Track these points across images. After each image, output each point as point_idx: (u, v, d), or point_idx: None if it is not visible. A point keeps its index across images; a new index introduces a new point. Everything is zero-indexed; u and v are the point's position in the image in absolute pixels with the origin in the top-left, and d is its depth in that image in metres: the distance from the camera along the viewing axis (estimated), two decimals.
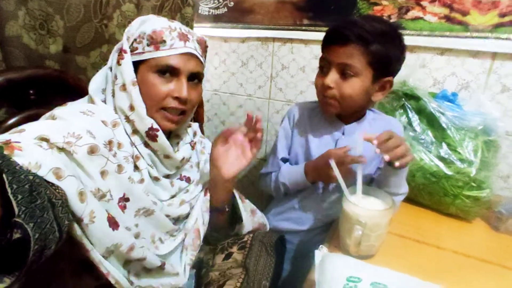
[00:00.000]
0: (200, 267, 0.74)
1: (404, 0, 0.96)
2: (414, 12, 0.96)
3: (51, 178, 0.42)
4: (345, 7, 1.03)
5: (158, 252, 0.63)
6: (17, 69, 0.71)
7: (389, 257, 0.64)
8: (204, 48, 0.68)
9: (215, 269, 0.71)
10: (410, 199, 0.88)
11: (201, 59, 0.65)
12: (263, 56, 1.23)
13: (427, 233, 0.75)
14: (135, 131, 0.62)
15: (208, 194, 0.73)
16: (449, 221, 0.82)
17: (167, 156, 0.65)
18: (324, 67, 0.74)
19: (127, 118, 0.61)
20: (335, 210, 0.83)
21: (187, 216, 0.73)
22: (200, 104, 1.06)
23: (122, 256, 0.55)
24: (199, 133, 0.83)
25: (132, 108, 0.60)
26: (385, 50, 0.68)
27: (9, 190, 0.33)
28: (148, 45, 0.60)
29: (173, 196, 0.70)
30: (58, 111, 0.55)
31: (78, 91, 0.77)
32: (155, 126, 0.61)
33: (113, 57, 0.63)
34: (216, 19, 1.27)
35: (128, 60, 0.60)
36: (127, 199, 0.57)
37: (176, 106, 0.62)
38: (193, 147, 0.76)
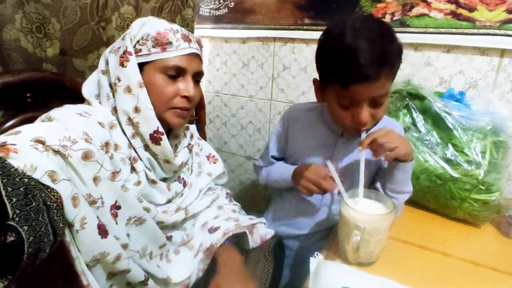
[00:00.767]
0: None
1: None
2: (419, 9, 0.93)
3: (46, 181, 0.41)
4: (347, 5, 1.01)
5: (166, 266, 0.63)
6: (14, 72, 0.71)
7: (391, 265, 0.61)
8: (201, 48, 0.69)
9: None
10: (414, 203, 0.85)
11: (202, 58, 0.67)
12: (264, 57, 1.22)
13: (432, 239, 0.72)
14: (136, 134, 0.61)
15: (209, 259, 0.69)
16: (456, 226, 0.79)
17: (166, 161, 0.65)
18: (349, 105, 0.65)
19: (130, 120, 0.60)
20: (336, 214, 0.81)
21: (182, 222, 0.71)
22: (202, 106, 1.05)
23: (108, 267, 0.53)
24: (196, 135, 0.82)
25: (137, 110, 0.59)
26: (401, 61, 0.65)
27: (3, 193, 0.33)
28: (153, 46, 0.60)
29: (169, 201, 0.69)
30: (54, 112, 0.55)
31: (75, 94, 0.76)
32: (161, 129, 0.61)
33: (110, 60, 0.62)
34: (217, 20, 1.26)
35: (133, 62, 0.60)
36: (118, 207, 0.56)
37: (184, 105, 0.62)
38: (190, 150, 0.75)
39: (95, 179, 0.51)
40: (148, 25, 0.61)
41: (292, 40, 1.14)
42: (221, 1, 1.23)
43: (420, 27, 0.93)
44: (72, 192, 0.45)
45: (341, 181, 0.65)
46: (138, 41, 0.60)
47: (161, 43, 0.59)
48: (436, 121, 0.82)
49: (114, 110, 0.61)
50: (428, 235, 0.73)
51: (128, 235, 0.58)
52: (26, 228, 0.33)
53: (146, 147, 0.62)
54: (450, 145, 0.79)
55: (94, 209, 0.51)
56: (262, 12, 1.16)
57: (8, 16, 0.70)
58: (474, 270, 0.63)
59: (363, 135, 0.66)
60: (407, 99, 0.87)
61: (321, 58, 0.68)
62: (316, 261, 0.49)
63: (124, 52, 0.60)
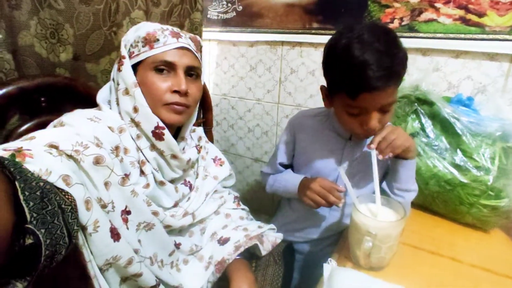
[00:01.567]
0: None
1: (417, 2, 0.93)
2: (428, 14, 0.93)
3: (60, 185, 0.42)
4: (356, 10, 1.01)
5: (178, 274, 0.63)
6: (29, 77, 0.72)
7: (401, 269, 0.62)
8: (199, 46, 0.69)
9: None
10: (423, 207, 0.85)
11: (196, 54, 0.66)
12: (271, 60, 1.22)
13: (441, 244, 0.72)
14: (140, 135, 0.62)
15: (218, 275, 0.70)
16: (465, 231, 0.79)
17: (174, 156, 0.65)
18: (358, 113, 0.66)
19: (133, 121, 0.62)
20: (346, 218, 0.81)
21: (190, 226, 0.72)
22: (209, 109, 1.06)
23: (120, 271, 0.54)
24: (204, 138, 0.83)
25: (136, 109, 0.61)
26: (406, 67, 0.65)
27: (21, 197, 0.33)
28: (143, 46, 0.62)
29: (176, 204, 0.69)
30: (66, 118, 0.56)
31: (87, 98, 0.77)
32: (161, 124, 0.62)
33: (114, 68, 0.66)
34: (225, 23, 1.27)
35: (127, 64, 0.62)
36: (128, 212, 0.57)
37: (178, 101, 0.62)
38: (199, 151, 0.76)
39: (106, 184, 0.52)
40: (141, 29, 0.64)
41: (300, 44, 1.14)
42: (229, 4, 1.23)
43: (429, 32, 0.94)
44: (85, 196, 0.46)
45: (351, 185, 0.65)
46: (131, 45, 0.63)
47: (149, 41, 0.61)
48: (445, 126, 0.82)
49: (121, 114, 0.63)
50: (437, 240, 0.74)
51: (139, 241, 0.59)
52: (43, 231, 0.34)
53: (152, 147, 0.63)
54: (459, 151, 0.79)
55: (106, 213, 0.52)
56: (270, 16, 1.16)
57: (24, 22, 0.71)
58: (484, 276, 0.63)
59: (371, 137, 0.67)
60: (416, 104, 0.87)
61: (328, 68, 0.69)
62: (330, 267, 0.50)
63: (120, 58, 0.63)
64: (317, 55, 1.13)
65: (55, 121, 0.57)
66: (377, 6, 0.98)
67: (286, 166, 0.89)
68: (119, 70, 0.63)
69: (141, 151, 0.62)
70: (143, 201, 0.59)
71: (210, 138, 1.03)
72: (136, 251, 0.57)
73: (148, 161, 0.63)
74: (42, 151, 0.44)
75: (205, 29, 1.27)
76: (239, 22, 1.23)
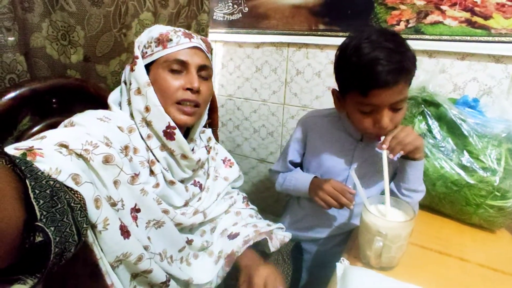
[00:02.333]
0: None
1: (423, 4, 0.94)
2: (434, 17, 0.94)
3: (70, 183, 0.43)
4: (362, 12, 1.02)
5: (188, 269, 0.64)
6: (40, 79, 0.73)
7: (410, 269, 0.63)
8: (209, 47, 0.70)
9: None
10: (431, 208, 0.86)
11: (208, 54, 0.68)
12: (277, 61, 1.23)
13: (449, 244, 0.73)
14: (151, 135, 0.63)
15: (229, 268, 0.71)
16: (472, 231, 0.80)
17: (184, 156, 0.66)
18: (370, 111, 0.67)
19: (144, 120, 0.62)
20: (354, 219, 0.82)
21: (200, 224, 0.73)
22: (215, 109, 1.06)
23: (131, 267, 0.55)
24: (213, 139, 0.84)
25: (147, 109, 0.62)
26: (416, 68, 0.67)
27: (32, 195, 0.34)
28: (156, 46, 0.63)
29: (186, 203, 0.70)
30: (76, 118, 0.57)
31: (98, 99, 0.78)
32: (172, 124, 0.63)
33: (126, 69, 0.67)
34: (231, 24, 1.27)
35: (140, 64, 0.63)
36: (138, 210, 0.58)
37: (189, 98, 0.63)
38: (208, 151, 0.77)
39: (115, 183, 0.53)
40: (154, 31, 0.65)
41: (306, 45, 1.15)
42: (235, 6, 1.24)
43: (435, 34, 0.95)
44: (95, 194, 0.46)
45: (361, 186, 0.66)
46: (144, 46, 0.65)
47: (162, 41, 0.63)
48: (452, 128, 0.83)
49: (132, 114, 0.64)
50: (445, 240, 0.74)
51: (148, 238, 0.60)
52: (52, 228, 0.35)
53: (162, 147, 0.64)
54: (465, 152, 0.80)
55: (115, 211, 0.53)
56: (276, 17, 1.17)
57: (36, 24, 0.72)
58: (491, 275, 0.64)
59: (382, 137, 0.69)
60: (422, 105, 0.88)
61: (339, 69, 0.70)
62: (343, 267, 0.51)
63: (133, 58, 0.64)
64: (323, 57, 1.14)
65: (66, 121, 0.58)
66: (383, 8, 0.99)
67: (295, 165, 0.90)
68: (131, 70, 0.64)
69: (151, 151, 0.63)
70: (153, 200, 0.60)
71: (216, 139, 1.04)
72: (146, 248, 0.58)
73: (158, 161, 0.64)
74: (53, 151, 0.45)
75: (211, 30, 1.28)
76: (245, 23, 1.24)
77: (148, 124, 0.62)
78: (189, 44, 0.63)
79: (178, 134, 0.63)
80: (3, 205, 0.29)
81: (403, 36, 0.68)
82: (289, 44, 1.19)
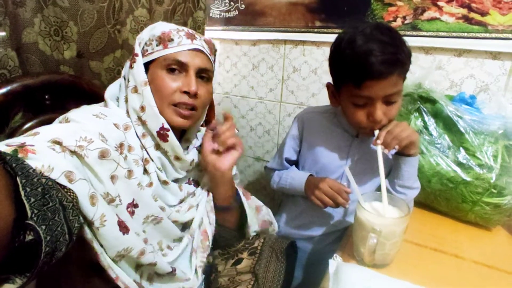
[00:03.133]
0: (209, 273, 0.74)
1: (420, 1, 0.93)
2: (431, 13, 0.93)
3: (63, 181, 0.42)
4: (359, 8, 1.01)
5: (166, 259, 0.63)
6: (33, 75, 0.72)
7: (405, 266, 0.62)
8: (213, 49, 0.69)
9: (224, 275, 0.71)
10: (426, 205, 0.85)
11: (210, 57, 0.66)
12: (274, 59, 1.23)
13: (444, 241, 0.72)
14: (146, 134, 0.62)
15: (211, 194, 0.73)
16: (467, 229, 0.79)
17: (177, 158, 0.65)
18: (364, 104, 0.67)
19: (140, 119, 0.62)
20: (349, 216, 0.82)
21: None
22: (211, 107, 1.06)
23: (133, 261, 0.55)
24: None
25: (143, 108, 0.61)
26: (411, 62, 0.67)
27: (22, 193, 0.33)
28: (157, 45, 0.62)
29: (181, 201, 0.70)
30: (71, 114, 0.56)
31: (92, 95, 0.77)
32: (166, 125, 0.62)
33: (126, 65, 0.65)
34: (227, 22, 1.27)
35: (139, 62, 0.62)
36: (136, 205, 0.57)
37: (186, 101, 0.62)
38: (199, 151, 0.76)
39: (112, 178, 0.52)
40: (156, 28, 0.64)
41: (303, 42, 1.15)
42: (232, 3, 1.24)
43: (432, 31, 0.94)
44: (90, 191, 0.46)
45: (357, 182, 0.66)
46: (145, 43, 0.63)
47: (164, 41, 0.61)
48: (448, 124, 0.83)
49: (128, 112, 0.63)
50: (440, 237, 0.74)
51: (144, 231, 0.60)
52: (43, 227, 0.34)
53: (157, 147, 0.64)
54: (461, 149, 0.80)
55: (113, 207, 0.52)
56: (273, 14, 1.17)
57: (28, 19, 0.71)
58: (486, 273, 0.64)
59: (376, 133, 0.68)
60: (419, 102, 0.87)
61: (334, 62, 0.70)
62: (335, 263, 0.50)
63: (133, 55, 0.63)
64: (320, 54, 1.13)
65: (61, 117, 0.57)
66: (380, 5, 0.99)
67: (290, 163, 0.90)
68: (130, 67, 0.63)
69: (146, 150, 0.63)
70: (150, 195, 0.59)
71: None
72: (145, 241, 0.58)
73: (152, 160, 0.63)
74: (45, 147, 0.44)
75: (208, 27, 1.27)
76: (242, 20, 1.23)
77: (143, 123, 0.62)
78: (191, 46, 0.62)
79: (171, 136, 0.62)
80: None
81: (400, 32, 0.68)
82: (285, 41, 1.18)
